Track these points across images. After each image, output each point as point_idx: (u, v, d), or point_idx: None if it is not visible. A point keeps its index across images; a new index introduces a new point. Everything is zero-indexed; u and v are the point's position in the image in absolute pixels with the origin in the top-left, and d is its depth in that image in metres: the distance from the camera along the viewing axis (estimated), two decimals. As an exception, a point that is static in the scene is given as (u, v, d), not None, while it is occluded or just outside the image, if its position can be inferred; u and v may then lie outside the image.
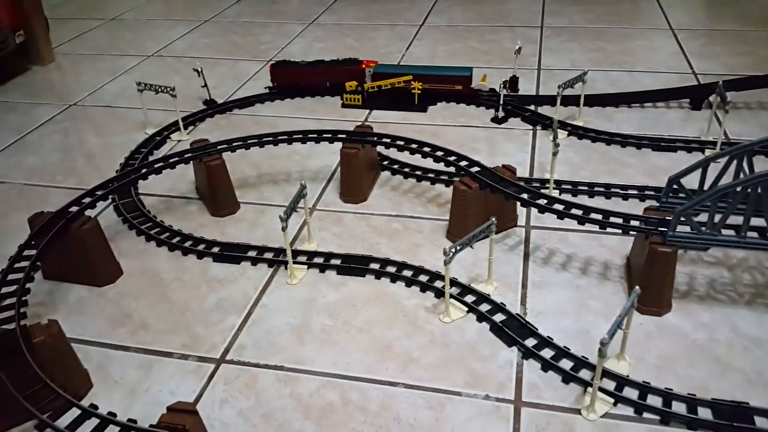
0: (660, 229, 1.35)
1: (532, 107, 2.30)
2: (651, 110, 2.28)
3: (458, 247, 1.33)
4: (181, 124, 2.25)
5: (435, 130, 2.24)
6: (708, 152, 1.97)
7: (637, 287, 1.15)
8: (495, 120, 2.28)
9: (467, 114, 2.35)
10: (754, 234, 1.34)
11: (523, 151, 2.06)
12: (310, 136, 1.87)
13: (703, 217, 1.34)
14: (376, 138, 1.85)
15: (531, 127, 2.21)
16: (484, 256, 1.47)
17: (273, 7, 3.77)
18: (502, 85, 2.29)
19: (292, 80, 2.50)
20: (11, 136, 2.33)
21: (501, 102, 2.27)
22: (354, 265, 1.57)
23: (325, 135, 1.87)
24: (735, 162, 1.40)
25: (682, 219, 1.32)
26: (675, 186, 1.44)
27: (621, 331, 1.16)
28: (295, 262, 1.57)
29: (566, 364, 1.24)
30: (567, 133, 2.12)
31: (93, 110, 2.52)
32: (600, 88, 2.45)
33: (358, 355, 1.31)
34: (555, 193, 1.79)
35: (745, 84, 2.23)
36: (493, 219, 1.38)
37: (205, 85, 2.46)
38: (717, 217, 1.31)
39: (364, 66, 2.47)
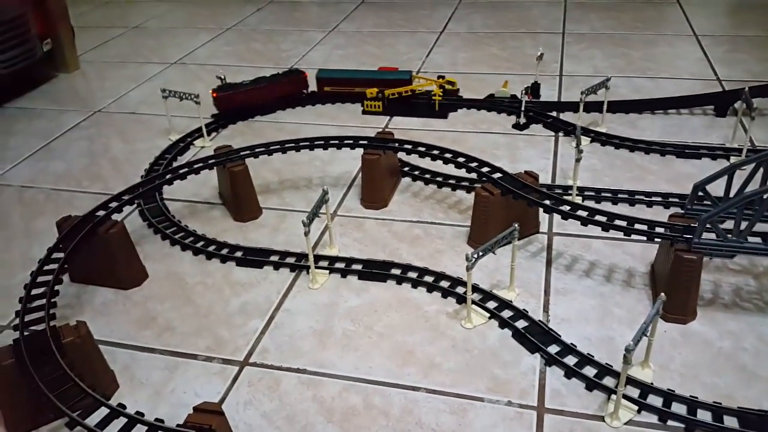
0: (685, 236, 1.35)
1: (554, 113, 2.31)
2: (675, 117, 2.28)
3: (480, 253, 1.34)
4: (204, 130, 2.30)
5: (456, 137, 2.26)
6: (733, 159, 1.96)
7: (663, 294, 1.15)
8: (516, 126, 2.29)
9: (488, 120, 2.37)
10: (782, 242, 1.33)
11: (545, 157, 2.07)
12: (331, 142, 1.90)
13: (728, 225, 1.33)
14: (397, 144, 1.87)
15: (553, 134, 2.21)
16: (506, 262, 1.48)
17: (293, 15, 3.82)
18: (523, 92, 2.31)
19: (237, 103, 2.41)
20: (38, 142, 2.40)
21: (523, 108, 2.29)
22: (375, 271, 1.59)
23: (346, 141, 1.90)
24: (761, 169, 1.40)
25: (708, 226, 1.32)
26: (700, 193, 1.44)
27: (645, 338, 1.16)
28: (316, 267, 1.59)
29: (590, 371, 1.25)
30: (590, 139, 2.12)
31: (117, 117, 2.59)
32: (623, 94, 2.45)
33: (380, 360, 1.33)
34: (578, 200, 1.79)
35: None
36: (516, 225, 1.39)
37: (228, 91, 2.50)
38: (743, 225, 1.31)
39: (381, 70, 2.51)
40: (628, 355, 1.06)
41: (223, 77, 2.46)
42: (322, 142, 1.90)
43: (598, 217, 1.46)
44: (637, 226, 1.42)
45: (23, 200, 2.02)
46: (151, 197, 1.90)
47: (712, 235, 1.33)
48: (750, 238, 1.33)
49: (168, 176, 1.73)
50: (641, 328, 1.10)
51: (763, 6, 3.46)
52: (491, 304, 1.44)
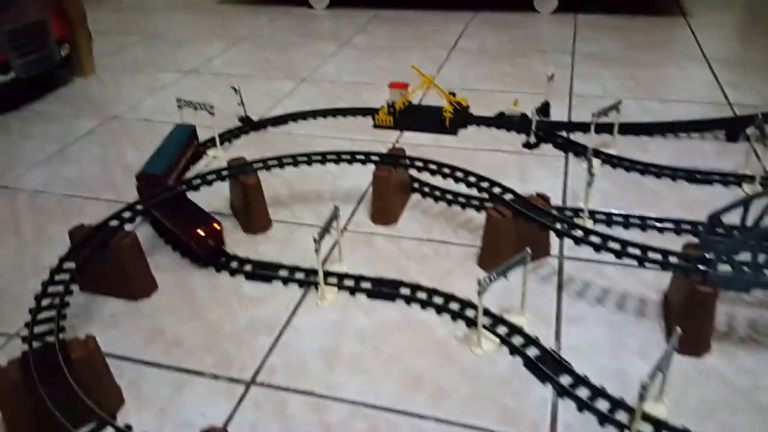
0: (701, 267, 1.30)
1: (564, 133, 2.27)
2: (686, 141, 2.23)
3: (493, 278, 1.29)
4: (217, 140, 2.26)
5: (466, 154, 2.21)
6: (746, 186, 1.91)
7: (678, 329, 1.10)
8: (526, 145, 2.25)
9: (498, 138, 2.32)
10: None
11: (555, 178, 2.02)
12: (343, 157, 1.85)
13: (745, 257, 1.28)
14: (408, 161, 1.83)
15: (563, 154, 2.17)
16: (516, 285, 1.44)
17: (307, 27, 3.80)
18: (534, 111, 2.26)
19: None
20: (53, 146, 2.37)
21: (533, 127, 2.24)
22: (384, 289, 1.54)
23: (358, 157, 1.85)
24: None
25: (724, 258, 1.27)
26: (717, 223, 1.39)
27: (660, 372, 1.11)
28: (326, 284, 1.55)
29: (603, 404, 1.20)
30: (601, 161, 2.07)
31: (132, 123, 2.55)
32: (633, 116, 2.40)
33: (389, 385, 1.28)
34: (589, 224, 1.75)
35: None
36: (528, 250, 1.34)
37: (242, 102, 2.47)
38: (760, 258, 1.26)
39: (394, 86, 2.47)
40: (644, 392, 1.01)
41: (237, 88, 2.43)
42: (334, 157, 1.86)
43: (611, 244, 1.41)
44: (651, 254, 1.37)
45: (35, 206, 1.98)
46: (163, 207, 1.86)
47: (728, 267, 1.28)
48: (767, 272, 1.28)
49: (181, 187, 1.69)
50: (657, 363, 1.06)
51: (771, 31, 3.41)
52: (502, 330, 1.40)
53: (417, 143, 2.29)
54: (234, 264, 1.64)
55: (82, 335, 1.22)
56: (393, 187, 1.82)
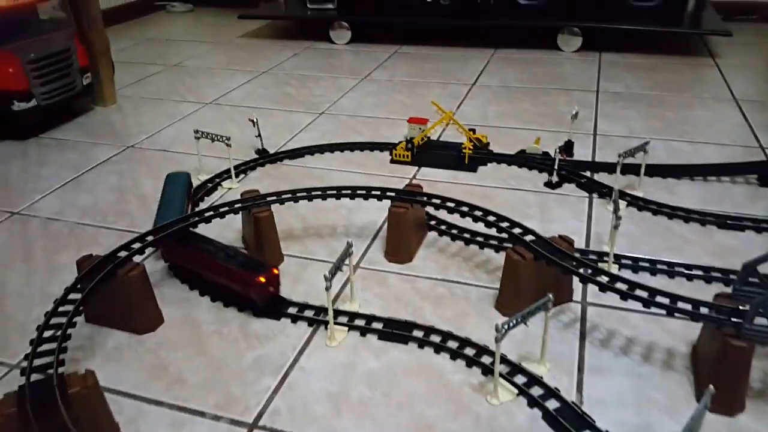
0: (734, 320, 1.24)
1: (588, 173, 2.23)
2: (715, 184, 2.18)
3: (512, 324, 1.25)
4: (233, 172, 2.27)
5: (485, 192, 2.18)
6: (780, 234, 1.84)
7: (711, 387, 1.04)
8: (548, 185, 2.21)
9: (519, 177, 2.29)
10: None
11: (578, 219, 1.98)
12: (358, 192, 1.84)
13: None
14: (425, 198, 1.80)
15: (587, 195, 2.13)
16: (536, 331, 1.38)
17: (328, 62, 3.85)
18: (557, 150, 2.24)
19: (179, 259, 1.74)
20: (69, 174, 2.39)
21: (556, 166, 2.21)
22: (396, 331, 1.50)
23: (374, 192, 1.84)
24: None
25: (760, 310, 1.21)
26: (752, 273, 1.33)
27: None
28: (335, 323, 1.51)
29: (628, 465, 1.13)
30: (626, 203, 2.03)
31: (149, 153, 2.58)
32: (660, 157, 2.36)
33: (398, 433, 1.23)
34: (614, 268, 1.69)
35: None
36: (550, 295, 1.29)
37: (259, 134, 2.49)
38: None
39: (413, 121, 2.47)
40: (674, 455, 0.95)
41: (255, 120, 2.45)
42: (349, 192, 1.84)
43: (638, 292, 1.36)
44: (680, 304, 1.32)
45: (48, 233, 1.99)
46: (174, 238, 1.85)
47: (763, 320, 1.22)
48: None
49: (194, 218, 1.68)
50: (687, 424, 0.99)
51: (803, 74, 3.37)
52: (520, 379, 1.34)
53: (435, 179, 2.28)
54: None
55: (85, 368, 1.20)
56: (408, 224, 1.79)
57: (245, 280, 1.52)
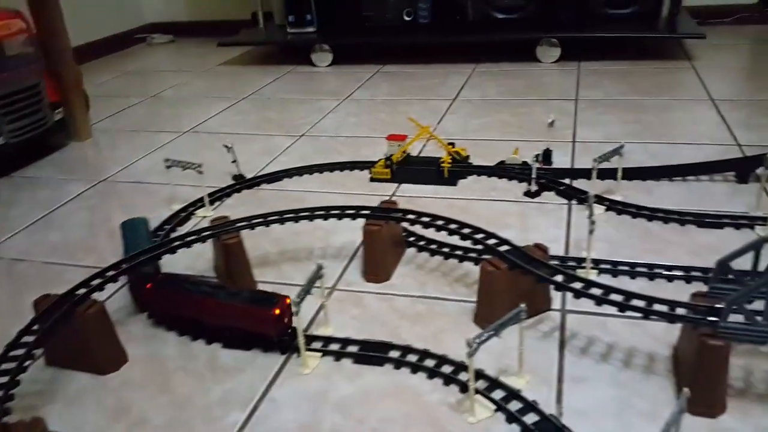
0: (710, 318, 1.21)
1: (567, 181, 2.22)
2: (694, 184, 2.16)
3: (484, 338, 1.21)
4: (206, 200, 2.25)
5: (465, 205, 2.17)
6: (759, 229, 1.82)
7: (686, 389, 1.01)
8: (528, 194, 2.20)
9: (499, 188, 2.28)
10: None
11: (557, 227, 1.96)
12: (332, 212, 1.82)
13: (758, 305, 1.19)
14: (400, 214, 1.78)
15: (566, 202, 2.11)
16: (514, 343, 1.35)
17: (309, 84, 3.87)
18: (534, 159, 2.22)
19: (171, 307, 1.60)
20: (38, 212, 2.37)
21: (534, 175, 2.20)
22: (372, 353, 1.46)
23: (347, 212, 1.82)
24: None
25: (735, 307, 1.18)
26: (726, 270, 1.31)
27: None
28: (308, 349, 1.47)
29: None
30: (605, 208, 2.01)
31: (122, 186, 2.56)
32: (639, 160, 2.35)
33: (371, 459, 1.19)
34: (593, 274, 1.66)
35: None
36: (523, 306, 1.26)
37: (235, 160, 2.48)
38: (777, 307, 1.17)
39: (392, 138, 2.46)
40: (650, 464, 0.91)
41: (229, 146, 2.44)
42: (323, 213, 1.82)
43: (613, 296, 1.33)
44: (656, 306, 1.29)
45: (12, 274, 1.95)
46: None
47: (740, 317, 1.19)
48: (786, 322, 1.18)
49: (158, 251, 1.65)
50: (663, 428, 0.96)
51: (781, 70, 3.39)
52: (498, 394, 1.30)
53: (415, 195, 2.26)
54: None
55: (43, 414, 1.16)
56: (384, 241, 1.77)
57: (260, 317, 1.44)
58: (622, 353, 1.40)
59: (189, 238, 1.68)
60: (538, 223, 2.00)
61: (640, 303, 1.30)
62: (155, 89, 4.04)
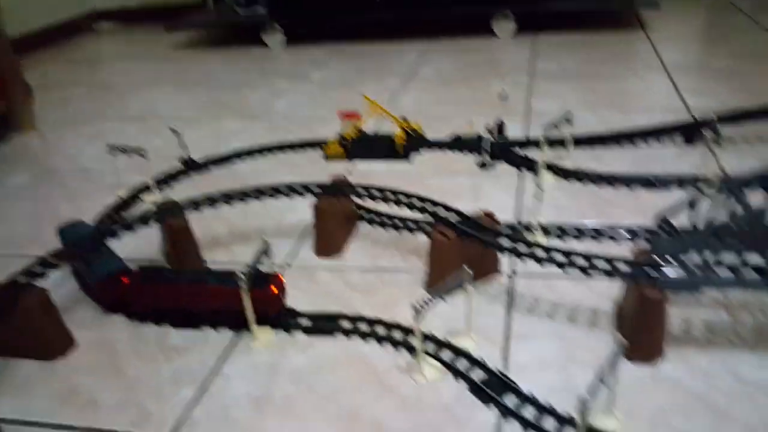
0: (648, 272, 1.27)
1: (520, 151, 2.27)
2: (644, 149, 2.24)
3: (429, 301, 1.26)
4: (153, 185, 2.24)
5: (420, 179, 2.21)
6: (704, 189, 1.90)
7: (620, 337, 1.07)
8: (481, 166, 2.25)
9: (453, 161, 2.33)
10: (753, 273, 1.25)
11: (509, 195, 2.01)
12: (281, 190, 1.84)
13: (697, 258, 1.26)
14: (349, 189, 1.81)
15: (518, 171, 2.17)
16: (462, 308, 1.40)
17: (262, 66, 3.85)
18: (487, 131, 2.27)
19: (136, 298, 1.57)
20: (-19, 206, 2.33)
21: (487, 147, 2.24)
22: (323, 324, 1.49)
23: (296, 189, 1.84)
24: (728, 197, 1.33)
25: (672, 260, 1.24)
26: (664, 225, 1.37)
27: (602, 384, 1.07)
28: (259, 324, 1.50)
29: (549, 423, 1.14)
30: (555, 175, 2.07)
31: (67, 175, 2.53)
32: (592, 128, 2.41)
33: (322, 427, 1.22)
34: (542, 239, 1.72)
35: (739, 117, 2.19)
36: (465, 268, 1.31)
37: (182, 144, 2.47)
38: (709, 257, 1.24)
39: (346, 117, 2.48)
40: (584, 407, 0.97)
41: (175, 130, 2.43)
42: (271, 191, 1.84)
43: (555, 256, 1.39)
44: (598, 264, 1.35)
45: (-46, 268, 1.93)
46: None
47: (680, 270, 1.26)
48: (720, 272, 1.25)
49: (100, 235, 1.65)
50: (598, 375, 1.02)
51: (733, 38, 3.50)
52: (447, 355, 1.35)
53: (369, 172, 2.29)
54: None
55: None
56: (334, 217, 1.79)
57: (257, 298, 1.43)
58: (568, 311, 1.47)
59: (133, 223, 1.68)
60: (491, 193, 2.05)
61: (582, 261, 1.36)
62: (102, 77, 3.97)
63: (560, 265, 1.37)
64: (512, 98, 2.85)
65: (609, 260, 1.34)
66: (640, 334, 1.25)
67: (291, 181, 1.87)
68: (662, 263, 1.27)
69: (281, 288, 1.49)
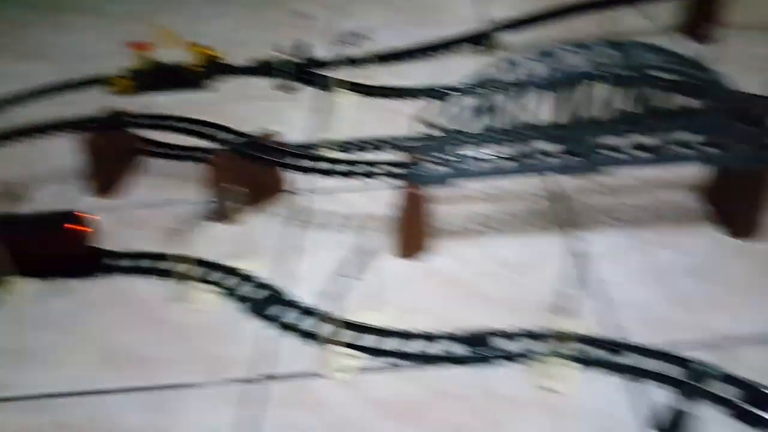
0: (409, 171, 1.34)
1: (321, 72, 2.26)
2: (440, 62, 2.32)
3: (186, 227, 1.23)
4: None
5: (221, 108, 2.10)
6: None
7: (359, 238, 1.11)
8: (282, 88, 2.22)
9: (256, 87, 2.26)
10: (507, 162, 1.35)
11: (307, 116, 2.01)
12: (47, 130, 1.68)
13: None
14: (122, 122, 1.69)
15: (319, 92, 2.16)
16: (248, 229, 1.39)
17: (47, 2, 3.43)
18: (289, 53, 2.23)
19: None
20: None
21: (289, 70, 2.21)
22: (86, 265, 1.40)
23: (65, 126, 1.69)
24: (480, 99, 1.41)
25: (425, 156, 1.31)
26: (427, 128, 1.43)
27: (372, 280, 1.12)
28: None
29: (308, 323, 1.20)
30: (349, 91, 2.09)
31: None
32: (392, 45, 2.44)
33: (83, 369, 1.17)
34: (331, 154, 1.74)
35: (520, 22, 2.33)
36: (229, 186, 1.30)
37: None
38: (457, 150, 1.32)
39: (135, 47, 2.29)
40: (333, 302, 1.01)
41: None
42: (37, 131, 1.68)
43: (338, 167, 1.43)
44: (376, 170, 1.40)
45: None
46: None
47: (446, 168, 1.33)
48: (476, 163, 1.33)
49: None
50: (343, 273, 1.06)
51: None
52: (232, 280, 1.34)
53: (166, 104, 2.15)
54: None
55: None
56: (104, 151, 1.67)
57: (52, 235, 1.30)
58: (351, 220, 1.51)
59: None
60: (290, 115, 2.03)
61: (359, 170, 1.41)
62: None
63: (343, 174, 1.41)
64: (317, 19, 2.80)
65: (385, 164, 1.40)
66: (407, 230, 1.32)
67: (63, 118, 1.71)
68: (416, 162, 1.33)
69: (81, 223, 1.37)
